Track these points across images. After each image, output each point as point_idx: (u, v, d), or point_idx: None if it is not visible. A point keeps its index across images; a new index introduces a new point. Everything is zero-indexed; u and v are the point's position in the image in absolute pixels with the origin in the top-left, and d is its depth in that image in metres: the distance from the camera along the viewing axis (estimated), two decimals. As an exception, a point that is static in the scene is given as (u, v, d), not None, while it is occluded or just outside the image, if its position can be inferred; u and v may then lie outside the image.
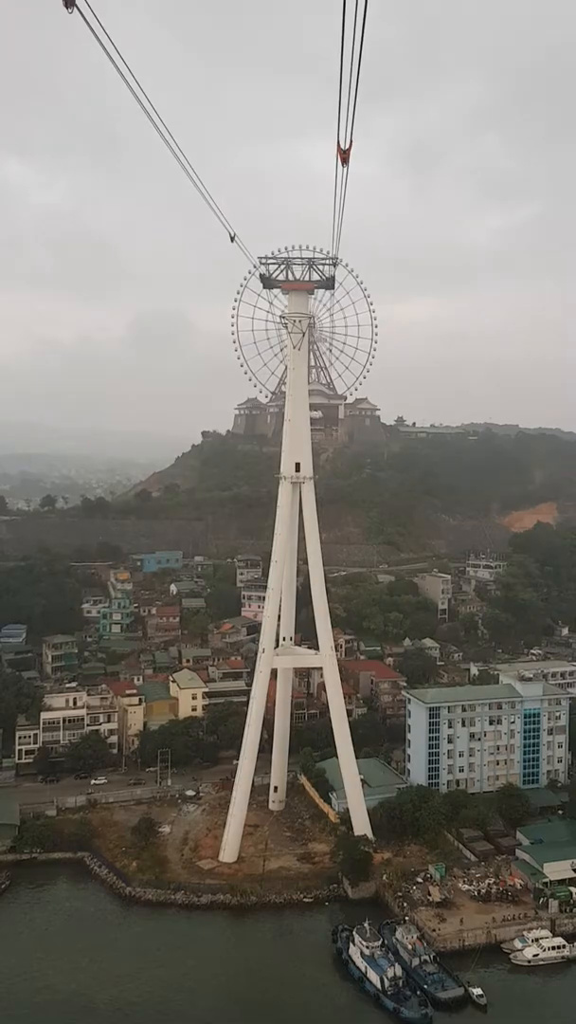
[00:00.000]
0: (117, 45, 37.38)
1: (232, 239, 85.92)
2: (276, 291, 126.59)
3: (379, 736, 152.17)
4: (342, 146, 34.00)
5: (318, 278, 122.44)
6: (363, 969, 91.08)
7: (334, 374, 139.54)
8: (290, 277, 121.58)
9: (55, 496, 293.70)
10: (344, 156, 34.71)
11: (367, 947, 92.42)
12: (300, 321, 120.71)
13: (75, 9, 29.69)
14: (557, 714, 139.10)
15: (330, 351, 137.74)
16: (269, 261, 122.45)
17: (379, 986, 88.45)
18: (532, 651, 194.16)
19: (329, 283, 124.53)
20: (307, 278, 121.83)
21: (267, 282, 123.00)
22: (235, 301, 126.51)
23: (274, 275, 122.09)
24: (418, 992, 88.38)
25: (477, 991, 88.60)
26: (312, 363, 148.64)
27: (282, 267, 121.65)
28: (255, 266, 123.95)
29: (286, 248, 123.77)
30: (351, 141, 33.56)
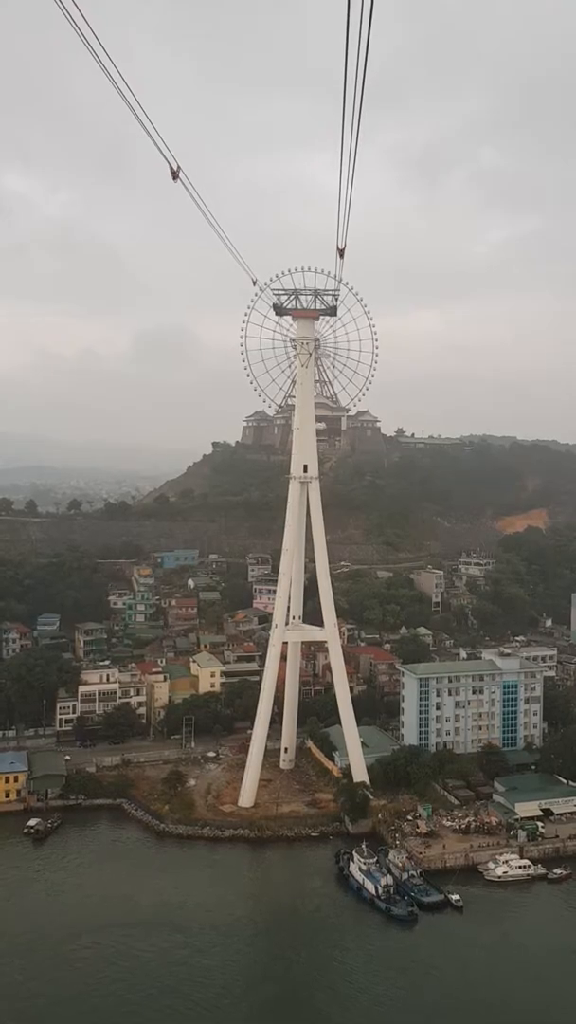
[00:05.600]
0: (120, 68, 40.44)
1: (254, 283, 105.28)
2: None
3: (377, 710, 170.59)
4: (339, 246, 53.11)
5: (323, 306, 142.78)
6: (360, 880, 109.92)
7: (337, 387, 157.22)
8: (298, 305, 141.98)
9: (79, 501, 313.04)
10: (341, 252, 53.76)
11: (364, 863, 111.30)
12: (307, 343, 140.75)
13: (178, 180, 49.73)
14: (532, 686, 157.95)
15: (333, 367, 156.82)
16: (279, 292, 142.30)
17: (374, 892, 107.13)
18: (517, 638, 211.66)
19: (332, 311, 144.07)
20: (313, 307, 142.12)
21: (279, 310, 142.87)
22: (243, 321, 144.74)
23: (284, 304, 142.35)
24: (406, 897, 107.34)
25: (455, 897, 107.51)
26: (316, 378, 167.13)
27: (291, 297, 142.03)
28: (260, 289, 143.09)
29: (290, 270, 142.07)
30: (345, 243, 52.60)
